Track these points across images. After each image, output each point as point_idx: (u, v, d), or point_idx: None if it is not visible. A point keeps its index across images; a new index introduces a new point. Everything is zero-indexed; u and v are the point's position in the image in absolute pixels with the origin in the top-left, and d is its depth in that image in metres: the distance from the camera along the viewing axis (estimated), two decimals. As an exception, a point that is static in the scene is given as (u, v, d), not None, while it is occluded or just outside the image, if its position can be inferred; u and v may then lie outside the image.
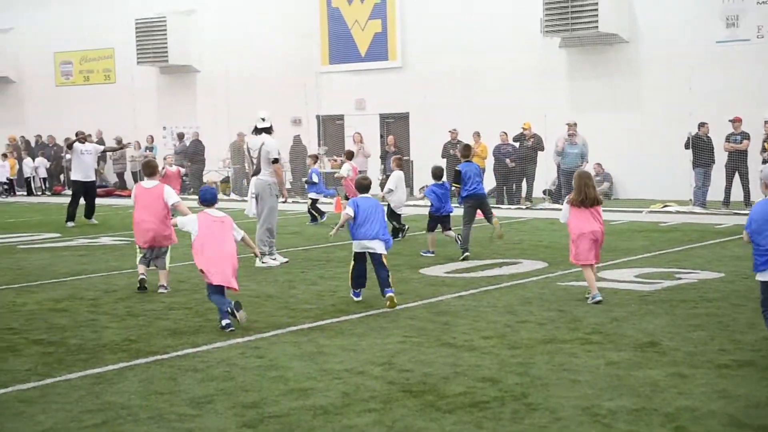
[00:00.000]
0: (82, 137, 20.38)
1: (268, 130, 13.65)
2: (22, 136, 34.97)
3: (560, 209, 11.03)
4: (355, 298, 10.33)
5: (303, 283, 11.69)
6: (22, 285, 11.74)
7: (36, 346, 8.20)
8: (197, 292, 11.01)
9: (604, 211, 10.57)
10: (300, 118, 30.07)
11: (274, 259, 13.45)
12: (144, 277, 11.17)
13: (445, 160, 25.02)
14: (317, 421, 5.93)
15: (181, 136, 30.71)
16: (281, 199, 14.00)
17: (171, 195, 11.20)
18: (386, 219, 10.89)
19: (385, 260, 10.15)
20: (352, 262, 10.34)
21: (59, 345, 8.22)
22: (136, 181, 31.44)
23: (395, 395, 6.47)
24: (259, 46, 30.59)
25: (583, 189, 10.01)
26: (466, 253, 13.64)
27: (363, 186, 10.57)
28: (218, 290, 8.95)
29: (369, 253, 10.17)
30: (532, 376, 6.90)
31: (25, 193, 32.07)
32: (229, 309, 8.78)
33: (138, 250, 11.44)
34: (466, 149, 14.70)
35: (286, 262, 13.50)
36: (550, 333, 8.44)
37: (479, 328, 8.72)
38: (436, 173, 14.63)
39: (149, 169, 11.60)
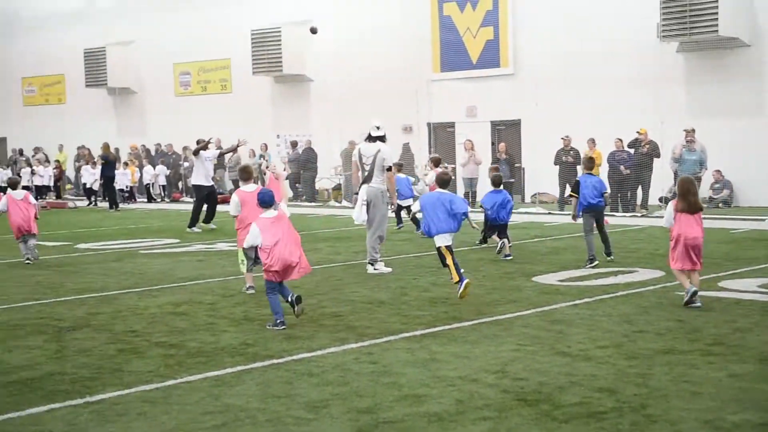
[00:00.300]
0: (204, 144, 20.94)
1: (382, 138, 13.75)
2: (143, 145, 36.11)
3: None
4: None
5: (415, 289, 11.71)
6: (144, 289, 12.11)
7: (157, 348, 8.44)
8: (311, 297, 11.15)
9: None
10: (411, 126, 30.19)
11: (375, 269, 13.40)
12: (253, 286, 11.44)
13: (557, 167, 24.74)
14: (432, 428, 5.93)
15: (294, 144, 31.22)
16: (391, 207, 14.05)
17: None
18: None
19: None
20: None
21: (179, 347, 8.44)
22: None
23: (510, 404, 6.42)
24: (371, 55, 30.83)
25: (687, 196, 10.04)
26: (595, 261, 13.44)
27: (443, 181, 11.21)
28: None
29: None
30: (651, 387, 6.74)
31: (145, 200, 33.09)
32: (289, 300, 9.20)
33: (243, 259, 11.41)
34: (590, 161, 14.69)
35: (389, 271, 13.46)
36: (669, 343, 8.23)
37: (595, 337, 8.58)
38: (495, 181, 14.88)
39: (246, 174, 11.98)
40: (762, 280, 11.86)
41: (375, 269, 13.35)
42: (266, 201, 9.52)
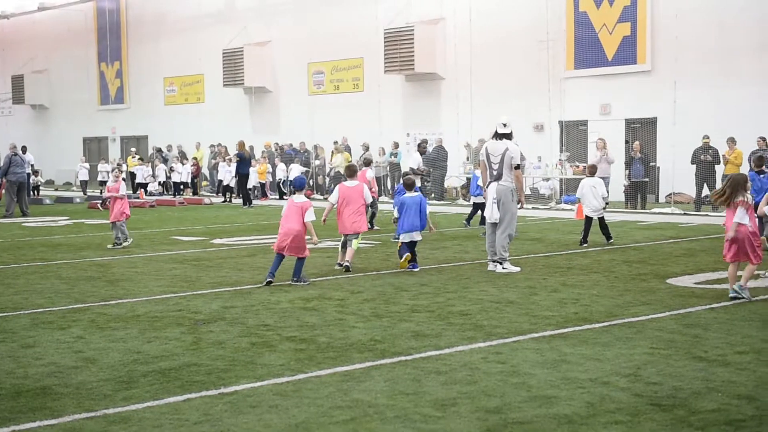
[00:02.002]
0: None
1: (509, 136, 13.62)
2: (276, 143, 36.89)
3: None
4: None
5: (544, 290, 11.56)
6: (276, 284, 12.35)
7: (288, 342, 8.60)
8: (439, 295, 11.16)
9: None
10: (542, 124, 29.83)
11: (504, 268, 13.29)
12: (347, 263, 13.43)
13: (694, 166, 24.00)
14: (561, 430, 5.83)
15: (423, 144, 31.28)
16: (519, 206, 13.90)
17: (368, 193, 14.01)
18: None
19: None
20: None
21: (310, 342, 8.58)
22: (380, 186, 32.41)
23: (643, 408, 6.26)
24: (504, 53, 30.65)
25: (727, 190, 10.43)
26: None
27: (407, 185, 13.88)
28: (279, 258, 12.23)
29: None
30: (794, 397, 6.46)
31: (277, 197, 33.77)
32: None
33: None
34: (759, 160, 14.64)
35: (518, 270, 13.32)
36: (814, 351, 7.87)
37: (733, 342, 8.27)
38: (407, 183, 14.28)
39: (351, 171, 14.29)
40: None
41: (504, 268, 13.25)
42: (296, 185, 12.81)
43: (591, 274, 12.91)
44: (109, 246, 17.15)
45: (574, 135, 29.60)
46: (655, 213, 23.65)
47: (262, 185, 34.07)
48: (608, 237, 16.69)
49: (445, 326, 9.26)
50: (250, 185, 32.04)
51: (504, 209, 13.38)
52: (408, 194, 13.91)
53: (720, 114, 25.23)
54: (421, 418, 6.12)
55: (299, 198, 12.46)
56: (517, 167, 13.50)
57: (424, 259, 14.60)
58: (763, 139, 22.56)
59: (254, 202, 31.26)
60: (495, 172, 13.52)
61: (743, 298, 10.37)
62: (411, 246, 13.66)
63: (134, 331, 9.23)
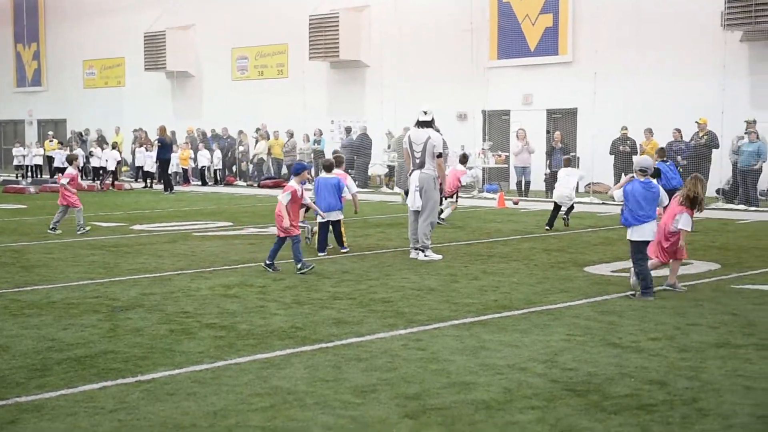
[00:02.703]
0: None
1: (431, 124, 13.66)
2: (199, 128, 36.44)
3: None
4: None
5: (465, 277, 11.67)
6: (197, 270, 12.24)
7: (208, 329, 8.52)
8: (361, 282, 11.18)
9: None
10: (465, 113, 30.05)
11: (426, 255, 13.38)
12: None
13: (613, 156, 24.46)
14: (479, 415, 5.90)
15: (348, 130, 31.28)
16: (442, 194, 13.99)
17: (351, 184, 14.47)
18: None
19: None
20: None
21: (230, 329, 8.51)
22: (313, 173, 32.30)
23: (558, 393, 6.37)
24: (428, 41, 30.76)
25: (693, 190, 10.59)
26: None
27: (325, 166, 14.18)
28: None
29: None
30: (703, 381, 6.64)
31: (200, 183, 33.39)
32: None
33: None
34: (661, 151, 15.98)
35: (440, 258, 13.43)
36: (723, 337, 8.10)
37: (646, 329, 8.47)
38: (325, 164, 14.59)
39: (329, 163, 14.34)
40: (821, 275, 11.61)
41: (426, 256, 13.33)
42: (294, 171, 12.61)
43: (511, 262, 13.07)
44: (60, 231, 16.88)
45: (496, 124, 29.89)
46: (575, 202, 24.01)
47: (185, 171, 33.62)
48: (566, 222, 17.68)
49: (366, 313, 9.29)
50: (171, 171, 31.61)
51: (426, 197, 13.44)
52: (324, 175, 14.10)
53: (638, 105, 25.73)
54: (341, 405, 6.13)
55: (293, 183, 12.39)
56: (439, 155, 13.56)
57: (347, 247, 14.60)
58: (678, 130, 23.10)
59: (176, 188, 30.86)
60: (417, 161, 13.57)
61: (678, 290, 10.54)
62: (335, 227, 13.77)
63: (49, 318, 9.04)
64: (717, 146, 22.66)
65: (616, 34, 26.56)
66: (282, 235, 12.12)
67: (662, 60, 25.67)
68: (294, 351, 7.66)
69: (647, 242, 10.20)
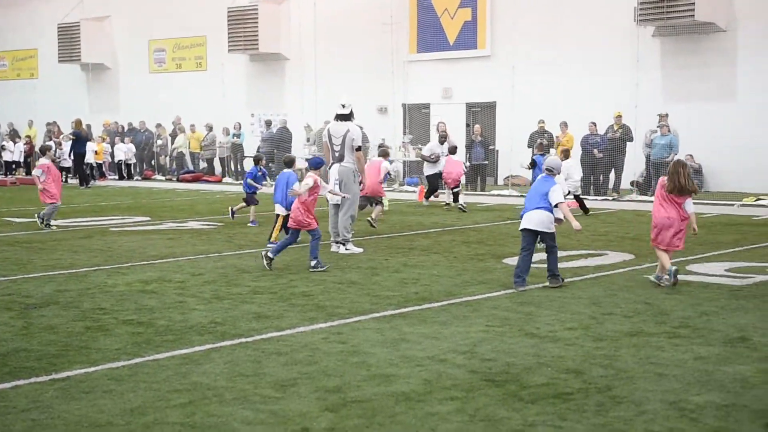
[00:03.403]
0: None
1: (349, 117, 13.66)
2: (116, 122, 35.80)
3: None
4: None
5: (386, 270, 11.71)
6: (113, 266, 12.03)
7: (126, 326, 8.39)
8: (282, 276, 11.14)
9: (694, 203, 10.46)
10: (386, 107, 30.13)
11: (347, 249, 13.40)
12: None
13: (530, 149, 24.77)
14: (399, 407, 5.94)
15: (268, 124, 31.07)
16: (361, 187, 14.02)
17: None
18: None
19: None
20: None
21: (148, 326, 8.39)
22: (223, 167, 32.02)
23: (477, 384, 6.44)
24: (348, 35, 30.72)
25: (674, 177, 10.23)
26: None
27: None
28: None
29: None
30: (617, 369, 6.79)
31: (116, 177, 32.83)
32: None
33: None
34: (540, 146, 15.86)
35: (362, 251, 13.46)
36: (636, 326, 8.29)
37: (563, 319, 8.62)
38: (285, 161, 14.90)
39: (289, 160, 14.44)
40: (729, 264, 11.97)
41: (347, 249, 13.34)
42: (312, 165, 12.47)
43: (431, 254, 13.16)
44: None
45: (417, 118, 30.04)
46: (494, 195, 24.33)
47: (100, 165, 32.95)
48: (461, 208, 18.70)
49: (287, 307, 9.25)
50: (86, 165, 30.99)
51: (346, 190, 13.43)
52: (285, 170, 14.41)
53: (555, 99, 26.14)
54: (261, 400, 6.10)
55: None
56: (359, 149, 13.56)
57: (267, 241, 14.55)
58: (594, 123, 23.54)
59: (92, 182, 30.27)
60: (337, 154, 13.55)
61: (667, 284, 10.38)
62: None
63: (-41, 316, 8.79)
64: (631, 139, 23.16)
65: (533, 29, 26.90)
66: (299, 228, 11.82)
67: (578, 54, 26.11)
68: (213, 346, 7.59)
69: (536, 232, 10.36)
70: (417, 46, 29.82)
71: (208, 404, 6.01)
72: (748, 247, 13.67)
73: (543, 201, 10.31)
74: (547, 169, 10.77)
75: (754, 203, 20.45)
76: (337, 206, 13.53)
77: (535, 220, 10.29)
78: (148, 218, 18.64)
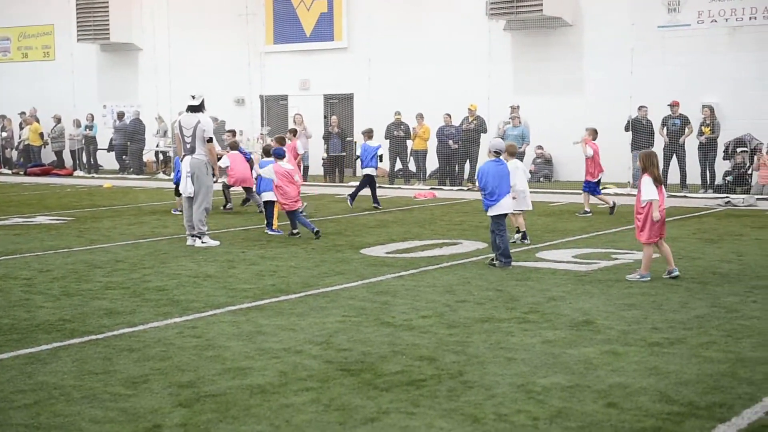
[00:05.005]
0: None
1: (200, 108, 13.44)
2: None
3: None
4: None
5: (243, 263, 11.62)
6: (-45, 264, 11.50)
7: (-33, 326, 8.04)
8: (135, 271, 10.90)
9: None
10: (243, 98, 29.83)
11: (203, 242, 13.23)
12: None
13: (388, 141, 25.03)
14: (254, 399, 5.91)
15: (121, 115, 30.25)
16: (214, 179, 13.84)
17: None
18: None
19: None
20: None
21: (-9, 325, 8.07)
22: (74, 159, 31.01)
23: (333, 374, 6.47)
24: (203, 25, 30.22)
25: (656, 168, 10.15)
26: None
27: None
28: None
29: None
30: (469, 355, 6.95)
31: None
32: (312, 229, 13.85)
33: None
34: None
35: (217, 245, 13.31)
36: (488, 312, 8.51)
37: (418, 307, 8.76)
38: (265, 150, 15.96)
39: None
40: (576, 251, 12.42)
41: (203, 242, 13.15)
42: (279, 154, 14.29)
43: (289, 246, 13.13)
44: None
45: (274, 110, 29.87)
46: (351, 186, 24.42)
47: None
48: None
49: (140, 303, 9.06)
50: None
51: (199, 183, 13.21)
52: (264, 159, 15.41)
53: (410, 90, 26.46)
54: (111, 397, 5.95)
55: (285, 164, 14.29)
56: (210, 140, 13.33)
57: (120, 235, 14.20)
58: (449, 115, 23.99)
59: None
60: (188, 146, 13.31)
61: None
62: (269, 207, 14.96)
63: None
64: (485, 131, 23.70)
65: (389, 21, 27.16)
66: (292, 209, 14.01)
67: (433, 47, 26.50)
68: (61, 344, 7.36)
69: (505, 215, 11.24)
70: (273, 37, 29.63)
71: (55, 404, 5.83)
72: (594, 234, 14.22)
73: (505, 184, 11.09)
74: (494, 152, 11.23)
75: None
76: (190, 199, 13.31)
77: (504, 205, 11.12)
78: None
